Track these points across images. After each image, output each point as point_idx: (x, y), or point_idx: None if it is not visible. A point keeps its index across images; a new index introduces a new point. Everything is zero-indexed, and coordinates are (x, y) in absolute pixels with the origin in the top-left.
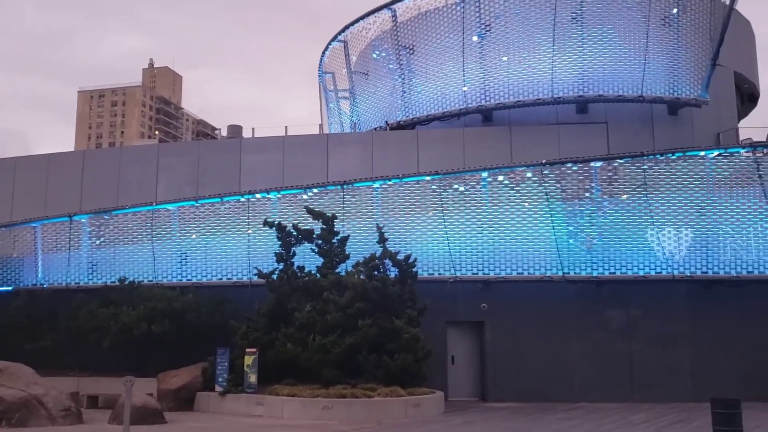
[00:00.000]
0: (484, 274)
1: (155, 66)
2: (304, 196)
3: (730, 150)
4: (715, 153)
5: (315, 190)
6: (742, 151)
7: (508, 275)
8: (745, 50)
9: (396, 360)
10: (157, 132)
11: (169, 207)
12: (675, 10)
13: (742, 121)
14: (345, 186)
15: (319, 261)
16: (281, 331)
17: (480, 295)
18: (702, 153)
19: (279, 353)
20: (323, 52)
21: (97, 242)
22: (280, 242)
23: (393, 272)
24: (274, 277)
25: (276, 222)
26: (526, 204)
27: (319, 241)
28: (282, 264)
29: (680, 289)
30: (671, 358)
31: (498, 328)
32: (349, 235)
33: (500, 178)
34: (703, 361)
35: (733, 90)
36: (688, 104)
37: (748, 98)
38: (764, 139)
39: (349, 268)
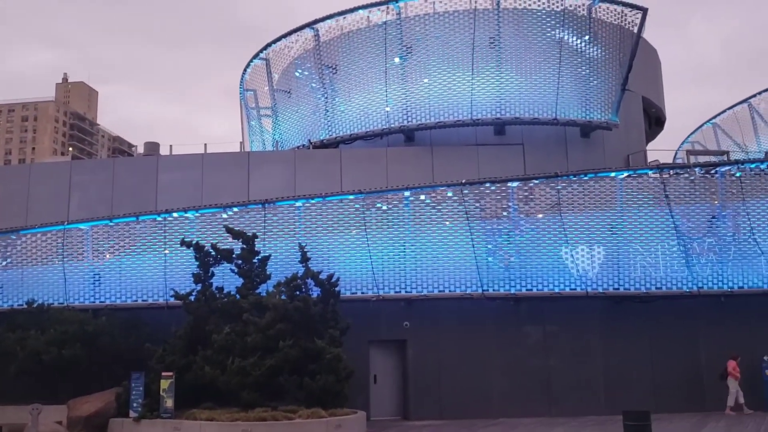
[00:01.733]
0: (406, 292)
1: (69, 81)
2: (224, 215)
3: (639, 171)
4: (625, 174)
5: (235, 209)
6: (650, 172)
7: (430, 293)
8: (652, 76)
9: (318, 381)
10: (71, 149)
11: (82, 226)
12: (587, 37)
13: (649, 144)
14: (266, 205)
15: (239, 281)
16: (199, 354)
17: (403, 314)
18: (612, 174)
19: (197, 377)
20: (245, 70)
21: (4, 263)
22: (198, 262)
23: (315, 292)
24: (192, 298)
25: (194, 242)
26: (447, 223)
27: (239, 261)
28: (200, 285)
29: (593, 305)
30: (586, 373)
31: (420, 346)
32: (270, 255)
33: (422, 197)
34: (616, 374)
35: (641, 114)
36: (599, 127)
37: (655, 122)
38: (671, 161)
39: (271, 289)
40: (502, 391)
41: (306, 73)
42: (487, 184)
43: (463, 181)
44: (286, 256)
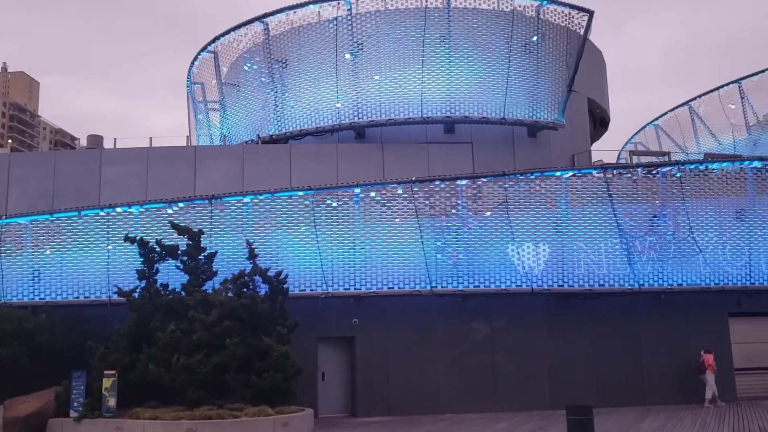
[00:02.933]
0: (356, 289)
1: (9, 71)
2: (169, 211)
3: (583, 171)
4: (570, 173)
5: (181, 204)
6: (595, 172)
7: (379, 290)
8: (597, 78)
9: (265, 379)
10: (10, 141)
11: (21, 221)
12: (535, 38)
13: (594, 144)
14: (213, 200)
15: (185, 278)
16: (143, 352)
17: (351, 311)
18: (558, 173)
19: (141, 375)
20: (192, 62)
21: None
22: (142, 259)
23: (263, 289)
24: (136, 295)
25: (138, 237)
26: (397, 220)
27: (185, 258)
28: (144, 281)
29: (539, 302)
30: (531, 368)
31: (368, 343)
32: (217, 251)
33: (372, 194)
34: (560, 370)
35: (586, 115)
36: (546, 127)
37: (599, 123)
38: (614, 162)
39: (217, 286)
40: (449, 387)
41: (255, 67)
42: (437, 182)
43: (414, 178)
44: (234, 252)
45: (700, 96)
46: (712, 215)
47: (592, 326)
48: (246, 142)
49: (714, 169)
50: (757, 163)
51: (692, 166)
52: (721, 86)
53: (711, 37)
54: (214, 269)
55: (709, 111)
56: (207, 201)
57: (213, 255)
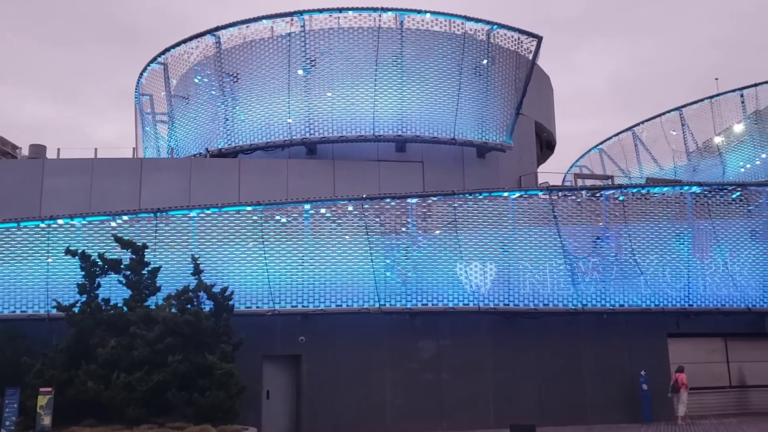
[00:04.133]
0: (303, 306)
1: None
2: (113, 224)
3: (530, 192)
4: (517, 194)
5: (125, 217)
6: (541, 193)
7: (327, 308)
8: (544, 102)
9: (208, 397)
10: None
11: None
12: (485, 61)
13: (540, 167)
14: (159, 214)
15: (128, 293)
16: (82, 369)
17: (298, 328)
18: (505, 194)
19: (78, 392)
20: (141, 74)
21: None
22: (83, 272)
23: (208, 305)
24: (76, 310)
25: (80, 250)
26: (347, 237)
27: (128, 272)
28: (85, 296)
29: (485, 321)
30: (476, 386)
31: (315, 361)
32: (161, 266)
33: (323, 210)
34: (505, 388)
35: (533, 137)
36: (494, 148)
37: (546, 146)
38: (560, 184)
39: (161, 301)
40: (395, 406)
41: (206, 80)
42: (388, 200)
43: (364, 196)
44: (178, 267)
45: (643, 122)
46: (653, 238)
47: (536, 345)
48: (194, 155)
49: (655, 194)
50: (696, 189)
51: (634, 190)
52: (663, 113)
53: (653, 65)
54: (158, 284)
55: (652, 137)
56: (152, 214)
57: (157, 270)
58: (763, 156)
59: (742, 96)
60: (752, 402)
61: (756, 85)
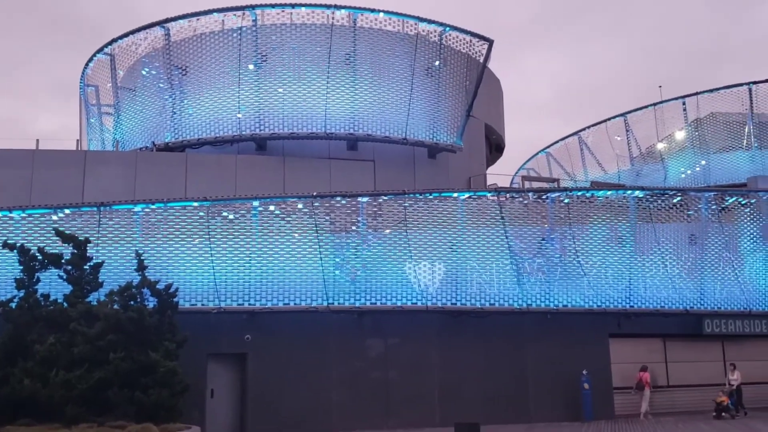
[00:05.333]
0: (249, 304)
1: None
2: (55, 217)
3: (479, 193)
4: (466, 195)
5: (67, 211)
6: (489, 195)
7: (274, 306)
8: (494, 105)
9: (150, 395)
10: None
11: None
12: (437, 62)
13: (490, 168)
14: (102, 208)
15: (68, 289)
16: (18, 366)
17: (244, 326)
18: (455, 195)
19: (14, 390)
20: (87, 64)
21: None
22: (21, 267)
23: (152, 302)
24: (13, 305)
25: (18, 244)
26: (296, 235)
27: (69, 267)
28: (23, 291)
29: (432, 319)
30: (423, 385)
31: (261, 359)
32: (104, 261)
33: (271, 207)
34: (451, 387)
35: (483, 140)
36: (445, 149)
37: (495, 148)
38: (508, 186)
39: (103, 298)
40: (342, 404)
41: (154, 72)
42: (338, 198)
43: (314, 193)
44: (122, 263)
45: (588, 127)
46: (596, 240)
47: (482, 344)
48: (140, 148)
49: (599, 197)
50: (638, 193)
51: (579, 193)
52: (608, 119)
53: (598, 71)
54: (100, 280)
55: (597, 141)
56: (96, 208)
57: (99, 265)
58: (703, 162)
59: (684, 104)
60: (689, 401)
61: (697, 93)
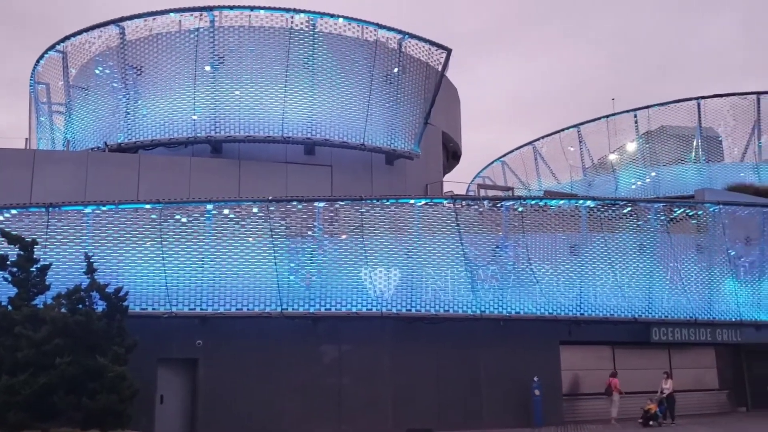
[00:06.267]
0: (201, 309)
1: None
2: (1, 218)
3: (435, 200)
4: (423, 202)
5: (14, 211)
6: (445, 202)
7: (226, 311)
8: (452, 113)
9: (98, 401)
10: None
11: None
12: (396, 70)
13: (446, 176)
14: (51, 209)
15: (14, 291)
16: None
17: (196, 331)
18: (412, 201)
19: None
20: (37, 61)
21: None
22: None
23: (101, 306)
24: None
25: None
26: (251, 239)
27: (15, 269)
28: None
29: (386, 326)
30: (376, 391)
31: (213, 365)
32: (51, 264)
33: (226, 211)
34: (404, 393)
35: (440, 147)
36: (402, 156)
37: (452, 156)
38: (464, 193)
39: (50, 301)
40: (294, 411)
41: (107, 71)
42: (294, 203)
43: (270, 197)
44: (70, 265)
45: (543, 137)
46: (549, 248)
47: (436, 350)
48: (92, 148)
49: (552, 206)
50: (590, 203)
51: (533, 202)
52: (562, 129)
53: (551, 81)
54: (47, 283)
55: (551, 152)
56: (44, 209)
57: (47, 267)
58: (653, 174)
59: (635, 117)
60: (636, 408)
61: (648, 107)
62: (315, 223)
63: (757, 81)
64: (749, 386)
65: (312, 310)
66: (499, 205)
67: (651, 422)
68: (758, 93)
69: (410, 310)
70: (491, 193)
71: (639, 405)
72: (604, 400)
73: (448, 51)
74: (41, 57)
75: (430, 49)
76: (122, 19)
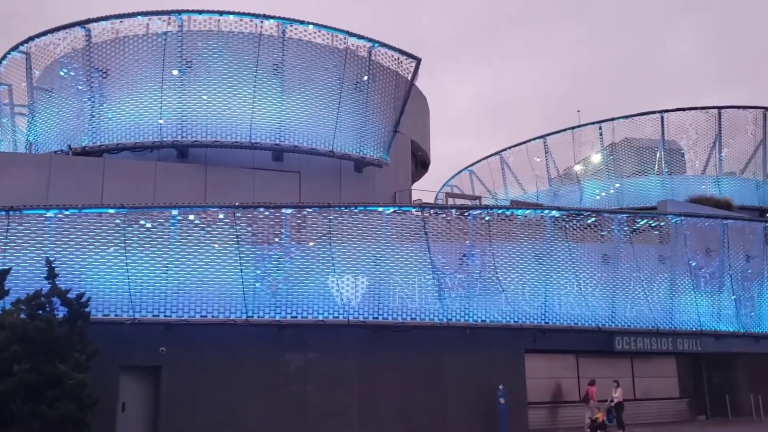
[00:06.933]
0: (165, 316)
1: None
2: None
3: (404, 208)
4: (391, 210)
5: None
6: (414, 210)
7: (191, 318)
8: (421, 122)
9: (57, 409)
10: None
11: None
12: (365, 77)
13: (415, 184)
14: (12, 212)
15: None
16: None
17: (160, 338)
18: (380, 209)
19: None
20: (0, 61)
21: None
22: None
23: (62, 312)
24: None
25: None
26: (216, 246)
27: None
28: None
29: (353, 334)
30: (342, 399)
31: (176, 373)
32: (11, 268)
33: (191, 217)
34: (370, 401)
35: (409, 155)
36: (371, 164)
37: (421, 164)
38: (432, 202)
39: (9, 306)
40: (258, 418)
41: (72, 73)
42: (261, 209)
43: (237, 203)
44: (31, 270)
45: (510, 147)
46: (515, 257)
47: (402, 359)
48: (55, 151)
49: (518, 216)
50: (555, 213)
51: (499, 211)
52: (529, 140)
53: (516, 90)
54: (6, 288)
55: (518, 162)
56: (4, 212)
57: (6, 272)
58: (617, 185)
59: (600, 128)
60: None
61: (613, 119)
62: (282, 230)
63: (718, 95)
64: (708, 395)
65: (278, 317)
66: (466, 213)
67: (598, 431)
68: (719, 107)
69: (377, 318)
70: (459, 201)
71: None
72: (582, 407)
73: (418, 60)
74: (4, 57)
75: (399, 57)
76: (88, 20)
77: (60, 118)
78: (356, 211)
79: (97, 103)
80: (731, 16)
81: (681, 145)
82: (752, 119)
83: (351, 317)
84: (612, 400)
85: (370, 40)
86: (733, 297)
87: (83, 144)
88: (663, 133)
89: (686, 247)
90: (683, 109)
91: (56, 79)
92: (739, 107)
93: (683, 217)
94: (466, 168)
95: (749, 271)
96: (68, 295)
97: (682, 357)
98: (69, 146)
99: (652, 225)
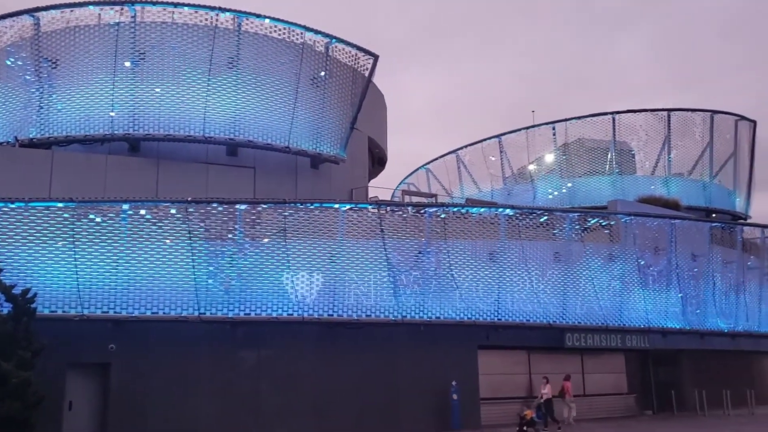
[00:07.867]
0: (115, 312)
1: None
2: None
3: (360, 205)
4: (347, 207)
5: None
6: (370, 207)
7: (141, 314)
8: (378, 119)
9: (0, 408)
10: None
11: None
12: (323, 73)
13: (371, 181)
14: None
15: None
16: None
17: (109, 335)
18: (336, 206)
19: None
20: None
21: None
22: None
23: (6, 308)
24: None
25: None
26: (168, 241)
27: None
28: None
29: (308, 331)
30: (296, 397)
31: (126, 370)
32: None
33: (142, 211)
34: (325, 398)
35: (366, 153)
36: (328, 160)
37: (378, 162)
38: (388, 199)
39: None
40: (210, 416)
41: (20, 63)
42: (215, 204)
43: (189, 198)
44: None
45: (466, 146)
46: (469, 255)
47: (357, 356)
48: (1, 143)
49: (473, 213)
50: (509, 211)
51: (455, 209)
52: (485, 139)
53: (469, 91)
54: None
55: (473, 160)
56: None
57: None
58: (569, 185)
59: (554, 129)
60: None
61: (566, 120)
62: (236, 226)
63: (664, 97)
64: (655, 390)
65: (231, 314)
66: (422, 211)
67: (526, 428)
68: (669, 110)
69: (332, 315)
70: (415, 199)
71: (558, 408)
72: (560, 402)
73: (375, 57)
74: None
75: (357, 54)
76: (37, 9)
77: (6, 109)
78: (312, 207)
79: (46, 94)
80: (678, 22)
81: (631, 146)
82: (700, 122)
83: (306, 314)
84: (541, 397)
85: (327, 35)
86: (679, 295)
87: (30, 136)
88: (614, 134)
89: (635, 245)
90: (634, 111)
91: (3, 68)
92: (687, 110)
93: (633, 217)
94: (422, 166)
95: (695, 269)
96: (13, 291)
97: (630, 354)
98: (15, 138)
99: (603, 224)
